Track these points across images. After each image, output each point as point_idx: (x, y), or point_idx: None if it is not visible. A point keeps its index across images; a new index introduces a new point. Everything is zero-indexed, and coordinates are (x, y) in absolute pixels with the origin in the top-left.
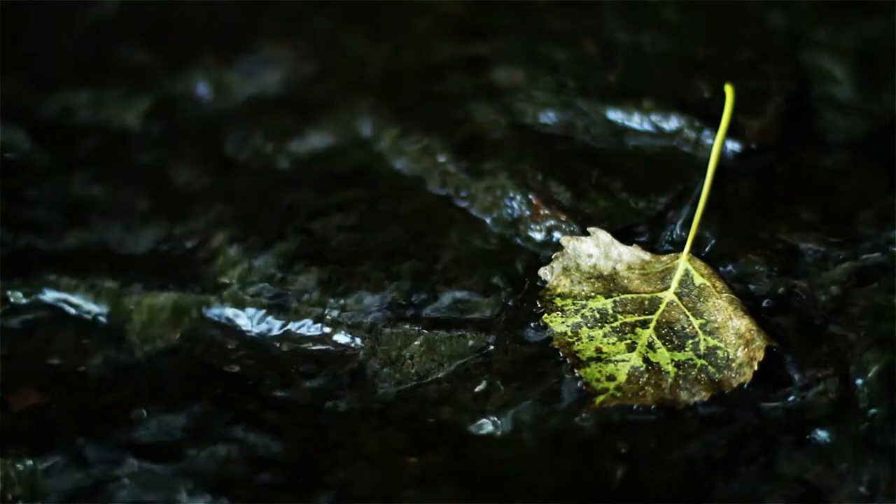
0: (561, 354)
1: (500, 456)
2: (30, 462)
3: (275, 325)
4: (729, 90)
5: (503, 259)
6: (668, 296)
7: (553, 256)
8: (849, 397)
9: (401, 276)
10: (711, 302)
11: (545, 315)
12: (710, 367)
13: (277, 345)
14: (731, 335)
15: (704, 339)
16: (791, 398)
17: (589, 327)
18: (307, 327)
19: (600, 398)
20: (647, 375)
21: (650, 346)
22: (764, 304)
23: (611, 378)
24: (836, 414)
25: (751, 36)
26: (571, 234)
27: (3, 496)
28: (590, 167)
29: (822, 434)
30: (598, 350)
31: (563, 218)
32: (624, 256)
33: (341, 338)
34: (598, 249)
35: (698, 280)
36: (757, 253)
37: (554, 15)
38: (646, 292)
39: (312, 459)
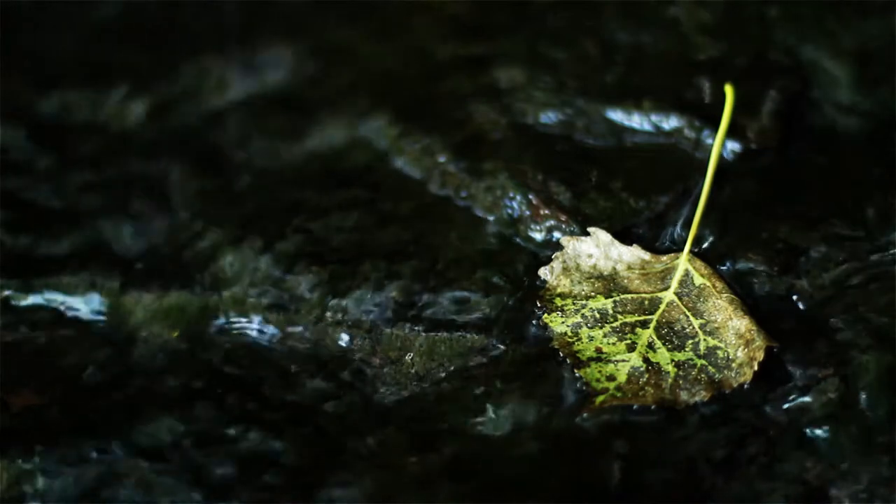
0: (561, 354)
1: (500, 456)
2: (30, 462)
3: (275, 326)
4: (729, 90)
5: (503, 259)
6: (668, 296)
7: (553, 256)
8: (849, 397)
9: (401, 276)
10: (711, 302)
11: (545, 315)
12: (710, 367)
13: (277, 345)
14: (731, 335)
15: (704, 339)
16: (791, 398)
17: (589, 327)
18: (307, 327)
19: (600, 398)
20: (647, 375)
21: (650, 346)
22: (764, 304)
23: (611, 378)
24: (836, 414)
25: (751, 36)
26: (571, 234)
27: (3, 496)
28: (590, 167)
29: (822, 434)
30: (598, 350)
31: (563, 218)
32: (624, 256)
33: (341, 338)
34: (598, 249)
35: (698, 280)
36: (757, 253)
37: (554, 15)
38: (646, 292)
39: (313, 460)
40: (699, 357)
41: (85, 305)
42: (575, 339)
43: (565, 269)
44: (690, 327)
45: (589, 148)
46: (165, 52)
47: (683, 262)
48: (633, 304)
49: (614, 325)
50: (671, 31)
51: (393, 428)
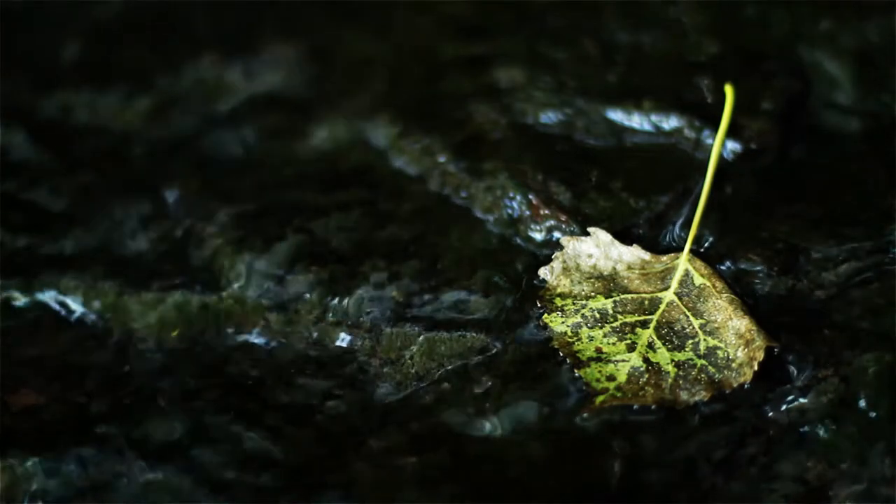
0: (561, 354)
1: (500, 456)
2: (30, 462)
3: (275, 325)
4: (729, 90)
5: (503, 259)
6: (668, 296)
7: (553, 256)
8: (849, 397)
9: (401, 276)
10: (711, 302)
11: (545, 315)
12: (710, 367)
13: (277, 345)
14: (731, 335)
15: (704, 339)
16: (791, 398)
17: (589, 327)
18: (307, 328)
19: (600, 398)
20: (647, 375)
21: (650, 346)
22: (764, 304)
23: (611, 378)
24: (836, 414)
25: (751, 36)
26: (571, 234)
27: (3, 496)
28: (590, 167)
29: (822, 434)
30: (598, 350)
31: (563, 218)
32: (624, 256)
33: (341, 338)
34: (598, 249)
35: (698, 280)
36: (757, 253)
37: (554, 15)
38: (646, 292)
39: (312, 460)
40: (699, 357)
41: (85, 305)
42: (575, 339)
43: (565, 269)
44: (690, 327)
45: (589, 148)
46: (165, 52)
47: (683, 262)
48: (633, 304)
49: (614, 325)
50: (671, 31)
51: (393, 428)
